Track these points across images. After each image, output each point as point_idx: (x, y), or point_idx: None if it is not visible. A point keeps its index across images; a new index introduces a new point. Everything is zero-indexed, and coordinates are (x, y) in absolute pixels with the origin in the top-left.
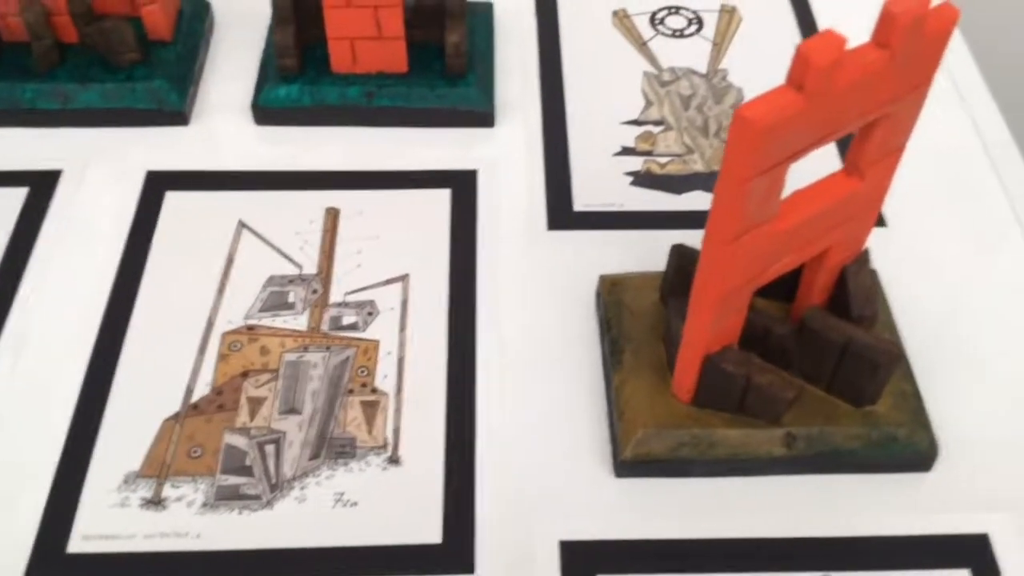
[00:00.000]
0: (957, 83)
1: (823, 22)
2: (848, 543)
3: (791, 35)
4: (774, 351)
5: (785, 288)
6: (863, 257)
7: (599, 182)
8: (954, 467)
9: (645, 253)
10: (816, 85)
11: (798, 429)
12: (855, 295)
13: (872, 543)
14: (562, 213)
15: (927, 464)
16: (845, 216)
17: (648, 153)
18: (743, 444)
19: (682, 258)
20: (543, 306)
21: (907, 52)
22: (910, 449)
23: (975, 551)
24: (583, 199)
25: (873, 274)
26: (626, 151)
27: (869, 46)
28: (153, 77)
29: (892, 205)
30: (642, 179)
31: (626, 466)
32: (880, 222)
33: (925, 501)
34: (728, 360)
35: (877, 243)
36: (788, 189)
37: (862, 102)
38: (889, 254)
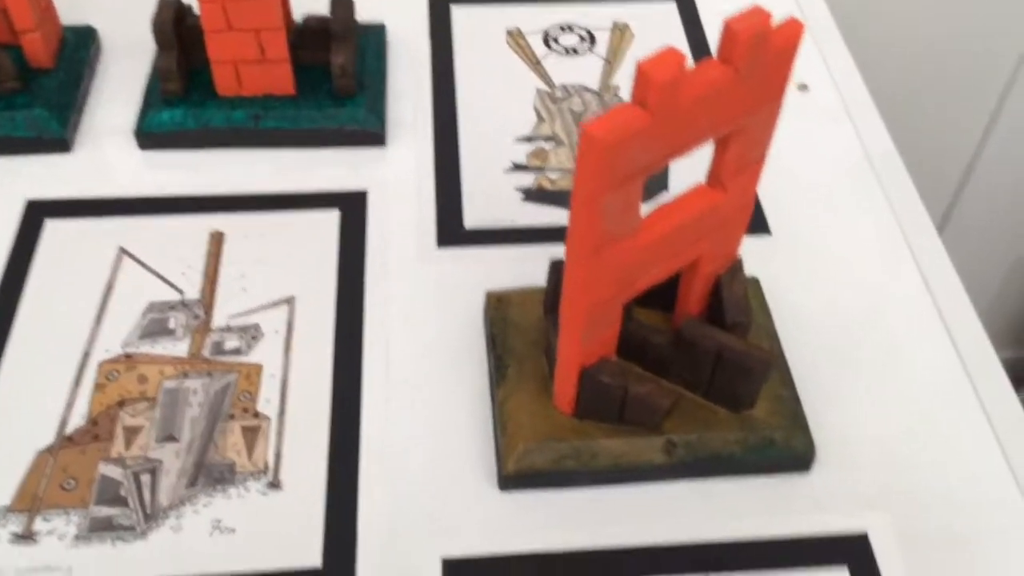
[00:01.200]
0: (843, 95)
1: (713, 39)
2: (730, 546)
3: (682, 51)
4: (653, 360)
5: (665, 298)
6: (736, 266)
7: (491, 199)
8: (832, 469)
9: (536, 268)
10: (659, 102)
11: (678, 436)
12: (728, 304)
13: (754, 545)
14: (452, 230)
15: (805, 466)
16: (711, 227)
17: (540, 169)
18: (625, 453)
19: (560, 273)
20: (431, 324)
21: (752, 68)
22: (788, 451)
23: (854, 549)
24: (474, 216)
25: (755, 283)
26: (518, 167)
27: (713, 62)
28: (33, 105)
29: (776, 214)
30: (534, 195)
31: (510, 480)
32: (764, 230)
33: (804, 502)
34: (605, 372)
35: (761, 251)
36: None
37: (711, 117)
38: (772, 262)
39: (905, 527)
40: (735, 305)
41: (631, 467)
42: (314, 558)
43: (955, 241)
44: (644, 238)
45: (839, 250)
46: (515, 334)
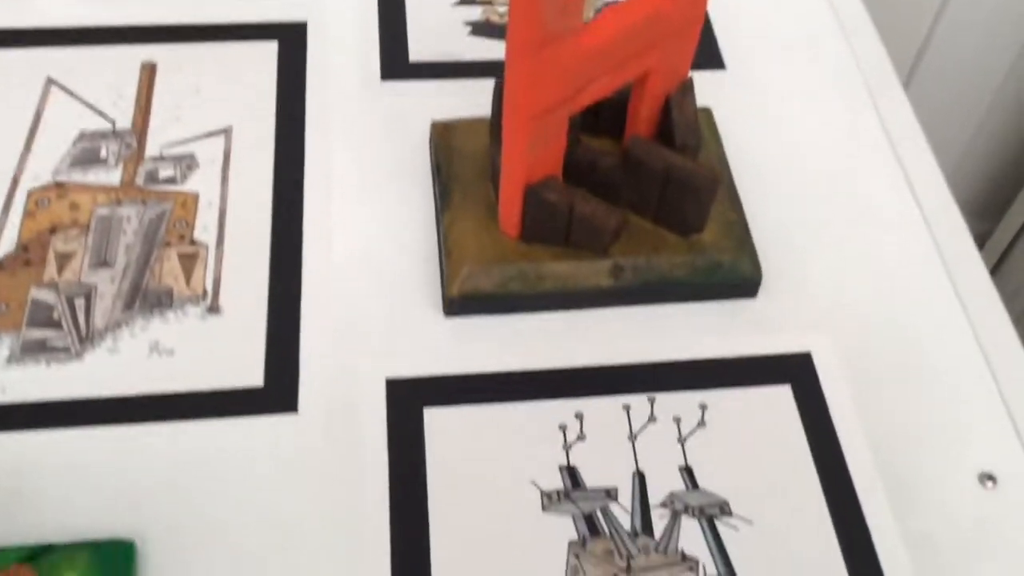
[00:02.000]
0: None
1: None
2: (674, 366)
3: None
4: (601, 185)
5: (615, 126)
6: (686, 86)
7: (437, 32)
8: (779, 294)
9: (483, 102)
10: None
11: (625, 259)
12: (679, 123)
13: (698, 365)
14: (397, 64)
15: (752, 291)
16: (659, 36)
17: (488, 2)
18: (571, 276)
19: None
20: (375, 154)
21: None
22: (735, 275)
23: (797, 368)
24: (419, 49)
25: (707, 113)
26: (465, 1)
27: None
28: None
29: (731, 49)
30: (481, 28)
31: (455, 304)
32: (719, 65)
33: (750, 326)
34: (550, 189)
35: (714, 85)
36: None
37: None
38: (726, 96)
39: (848, 349)
40: (685, 126)
41: (578, 291)
42: (255, 378)
43: (919, 100)
44: (588, 40)
45: (794, 89)
46: (461, 162)
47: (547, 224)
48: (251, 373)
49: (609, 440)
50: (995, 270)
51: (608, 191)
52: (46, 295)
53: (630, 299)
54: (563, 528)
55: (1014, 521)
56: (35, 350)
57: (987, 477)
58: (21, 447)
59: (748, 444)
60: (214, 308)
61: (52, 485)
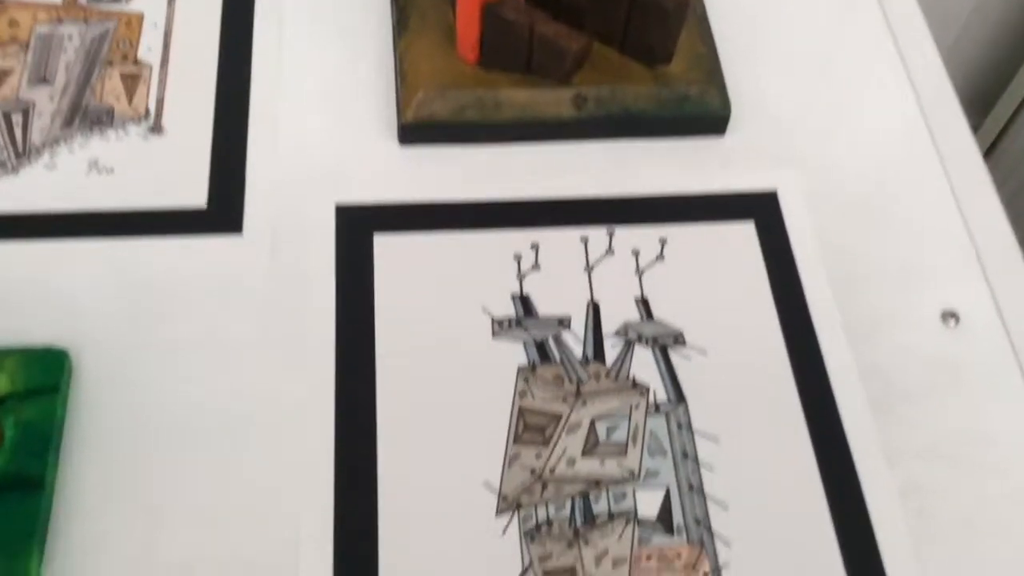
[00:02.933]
0: None
1: None
2: (635, 201)
3: None
4: (565, 10)
5: None
6: None
7: None
8: (747, 132)
9: None
10: None
11: (588, 89)
12: None
13: (660, 201)
14: None
15: (720, 127)
16: None
17: None
18: (530, 105)
19: None
20: None
21: None
22: (703, 109)
23: (762, 205)
24: None
25: None
26: None
27: None
28: None
29: None
30: None
31: (409, 130)
32: None
33: (716, 163)
34: (509, 8)
35: None
36: None
37: None
38: None
39: (816, 188)
40: None
41: (537, 121)
42: (199, 199)
43: None
44: None
45: None
46: None
47: (506, 48)
48: (194, 193)
49: (564, 271)
50: (989, 152)
51: (572, 17)
52: None
53: (593, 133)
54: (513, 354)
55: (973, 357)
56: None
57: (950, 315)
58: None
59: (707, 278)
60: (157, 128)
61: None
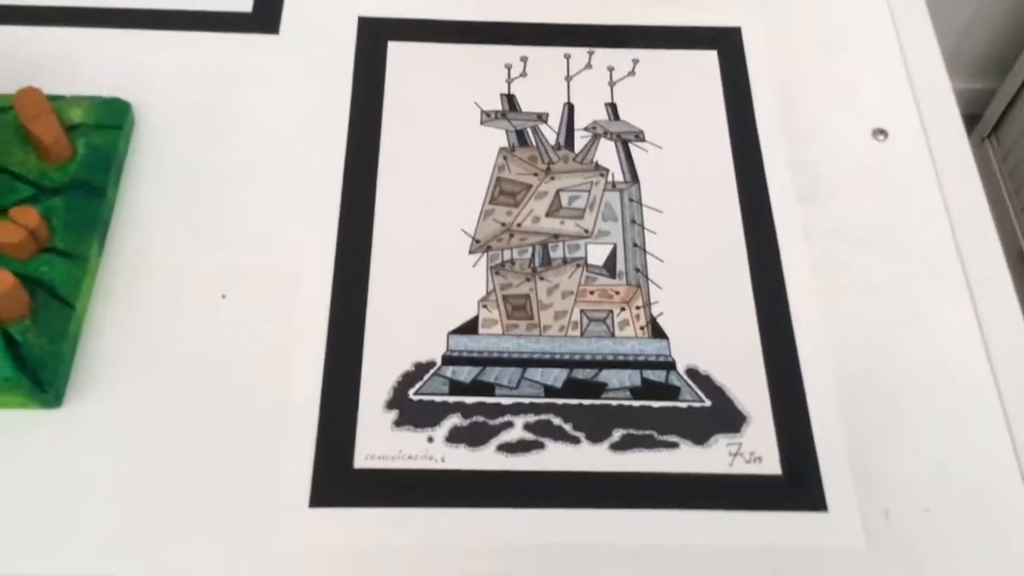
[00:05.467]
0: None
1: None
2: (616, 28)
3: None
4: None
5: None
6: None
7: None
8: None
9: None
10: None
11: None
12: None
13: (638, 28)
14: None
15: None
16: None
17: None
18: None
19: None
20: None
21: None
22: None
23: (727, 38)
24: None
25: None
26: None
27: None
28: None
29: None
30: None
31: None
32: None
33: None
34: None
35: None
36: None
37: None
38: None
39: (778, 28)
40: None
41: None
42: (246, 4)
43: None
44: None
45: None
46: None
47: None
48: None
49: (547, 79)
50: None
51: None
52: None
53: None
54: (497, 138)
55: (894, 165)
56: None
57: (880, 132)
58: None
59: (670, 92)
60: None
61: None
